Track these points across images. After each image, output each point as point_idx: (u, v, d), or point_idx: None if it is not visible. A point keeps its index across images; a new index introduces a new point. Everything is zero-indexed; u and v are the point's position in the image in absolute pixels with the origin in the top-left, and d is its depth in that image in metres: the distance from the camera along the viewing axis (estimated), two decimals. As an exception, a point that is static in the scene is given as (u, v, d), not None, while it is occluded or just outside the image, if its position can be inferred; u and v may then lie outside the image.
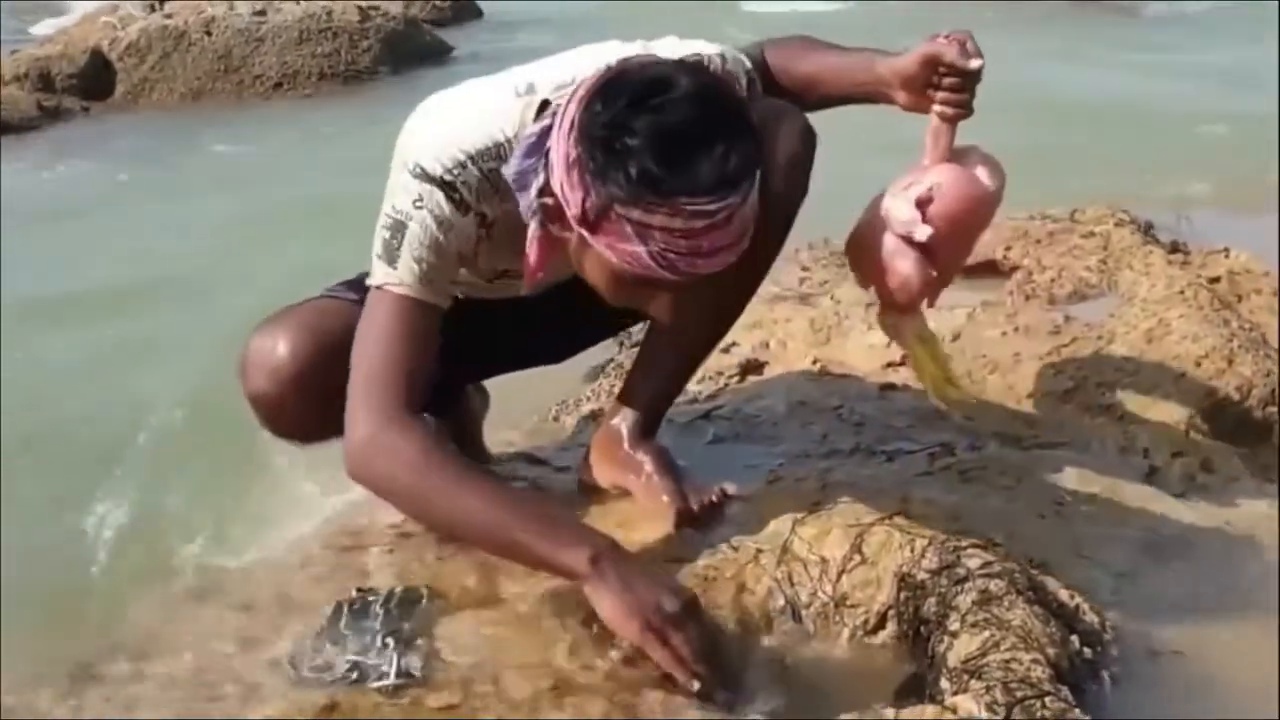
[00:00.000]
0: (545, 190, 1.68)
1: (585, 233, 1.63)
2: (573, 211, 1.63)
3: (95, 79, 7.08)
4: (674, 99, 1.58)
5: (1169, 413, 2.45)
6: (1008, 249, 3.19)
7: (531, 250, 1.73)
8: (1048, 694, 1.56)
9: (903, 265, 1.93)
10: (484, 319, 2.05)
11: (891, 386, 2.56)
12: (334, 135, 6.19)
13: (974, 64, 1.84)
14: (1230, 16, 9.23)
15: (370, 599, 1.81)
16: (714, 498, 2.06)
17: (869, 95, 1.97)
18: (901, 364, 2.64)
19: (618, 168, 1.56)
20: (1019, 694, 1.54)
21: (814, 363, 2.70)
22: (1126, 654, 1.81)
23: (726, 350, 2.79)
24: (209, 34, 7.29)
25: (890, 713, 1.54)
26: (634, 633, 1.66)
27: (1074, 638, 1.75)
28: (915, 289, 1.96)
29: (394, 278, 1.75)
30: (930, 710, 1.54)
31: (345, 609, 1.79)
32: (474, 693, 1.63)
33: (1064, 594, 1.84)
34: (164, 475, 2.32)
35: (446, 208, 1.74)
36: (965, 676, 1.60)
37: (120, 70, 7.13)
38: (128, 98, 7.04)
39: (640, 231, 1.58)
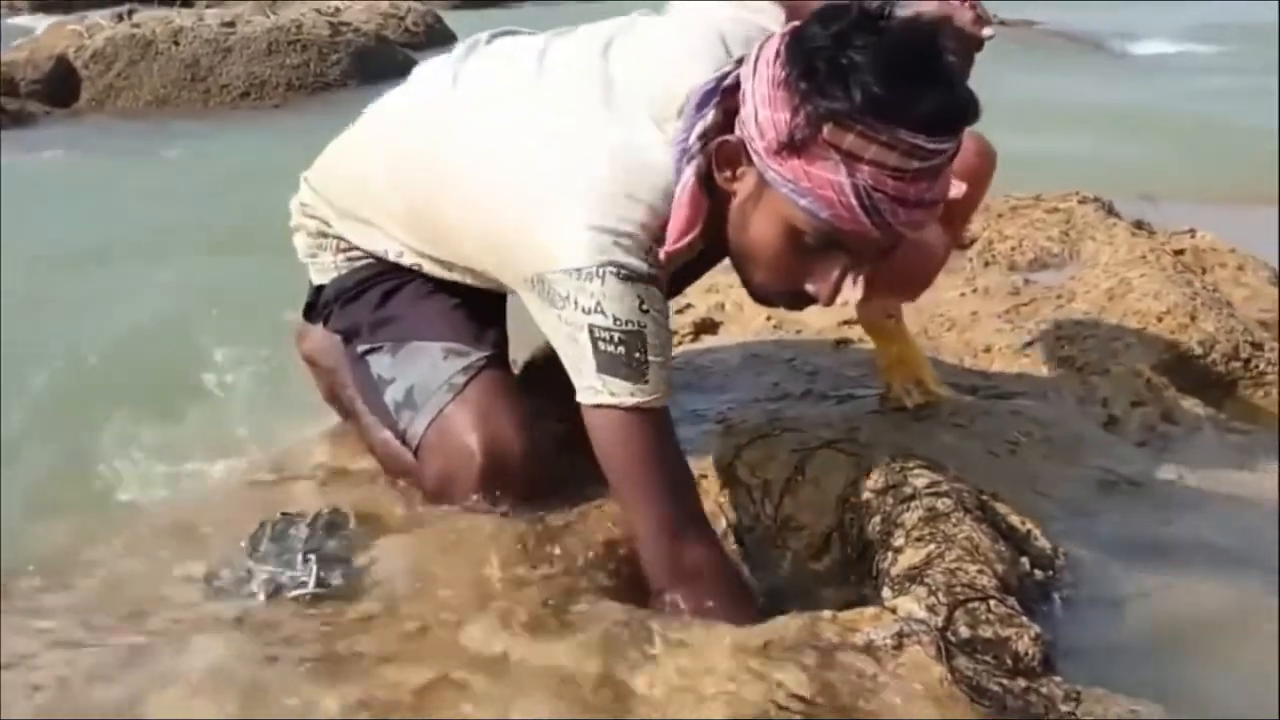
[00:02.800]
0: (712, 133, 1.59)
1: (776, 165, 1.51)
2: (771, 137, 1.50)
3: (60, 85, 7.02)
4: (897, 28, 1.49)
5: (1129, 365, 2.40)
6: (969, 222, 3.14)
7: (682, 206, 1.60)
8: (992, 598, 1.49)
9: (927, 233, 1.87)
10: None
11: (846, 341, 2.50)
12: (291, 144, 6.13)
13: (986, 32, 1.78)
14: (1210, 58, 9.36)
15: (295, 520, 1.73)
16: None
17: None
18: (858, 321, 2.59)
19: (838, 83, 1.45)
20: (962, 596, 1.48)
21: (768, 319, 2.64)
22: (1080, 581, 1.74)
23: (680, 311, 2.74)
24: (176, 43, 7.24)
25: (828, 614, 1.47)
26: None
27: (1024, 560, 1.69)
28: (939, 258, 1.92)
29: (647, 392, 1.61)
30: (870, 611, 1.47)
31: (268, 529, 1.71)
32: (397, 604, 1.56)
33: (1015, 519, 1.77)
34: (86, 418, 2.24)
35: (658, 298, 1.62)
36: (907, 583, 1.53)
37: (85, 78, 7.08)
38: (92, 104, 6.99)
39: (848, 162, 1.47)
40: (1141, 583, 1.78)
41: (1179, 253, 3.03)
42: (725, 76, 1.62)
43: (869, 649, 1.41)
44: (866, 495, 1.73)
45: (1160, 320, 2.52)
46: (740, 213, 1.60)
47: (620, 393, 1.61)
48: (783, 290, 1.66)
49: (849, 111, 1.45)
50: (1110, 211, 3.32)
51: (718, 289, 2.87)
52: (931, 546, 1.60)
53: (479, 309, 1.94)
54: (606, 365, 1.60)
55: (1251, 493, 2.10)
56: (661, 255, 1.62)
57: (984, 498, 1.79)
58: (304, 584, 1.59)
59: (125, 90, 7.06)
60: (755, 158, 1.54)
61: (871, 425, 2.01)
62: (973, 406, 2.15)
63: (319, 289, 2.02)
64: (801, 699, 1.33)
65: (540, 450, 1.82)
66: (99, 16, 7.61)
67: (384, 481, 1.93)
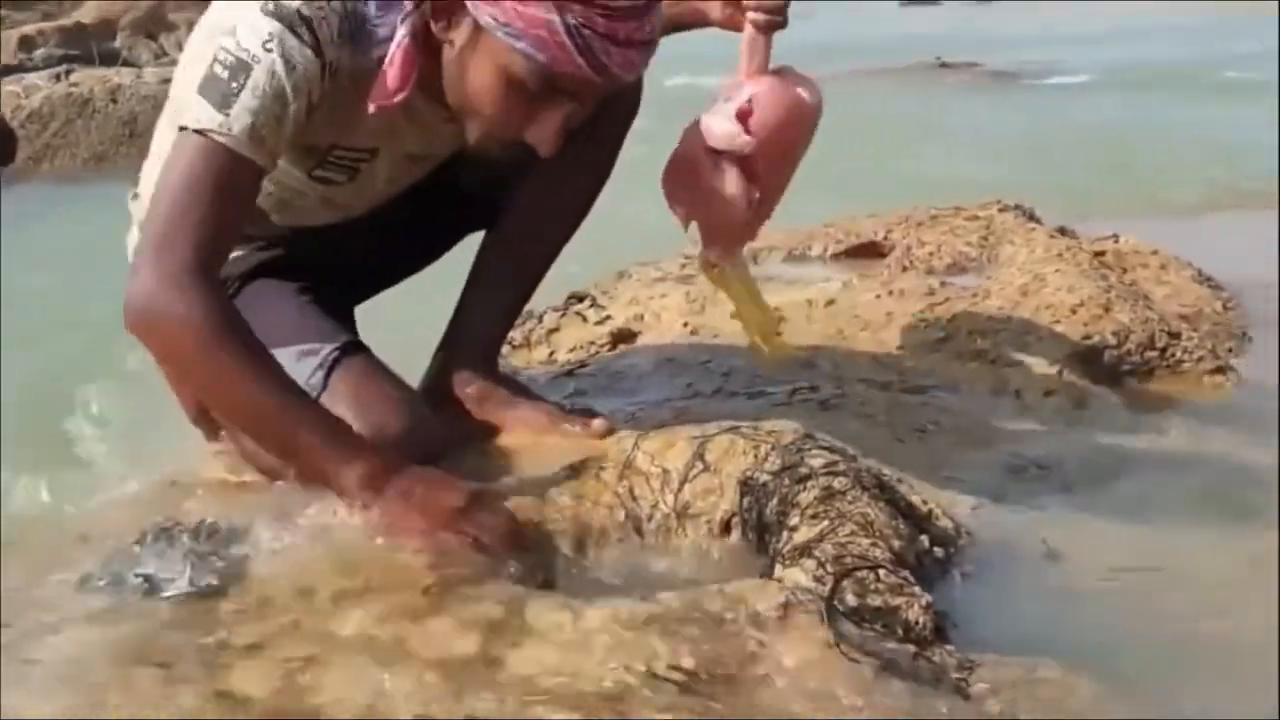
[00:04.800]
0: None
1: (490, 7, 1.53)
2: None
3: (-2, 146, 6.99)
4: None
5: (1043, 357, 2.38)
6: (889, 231, 3.13)
7: (394, 63, 1.61)
8: (882, 568, 1.46)
9: (725, 185, 1.83)
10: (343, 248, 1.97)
11: (762, 343, 2.47)
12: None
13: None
14: (1112, 84, 9.50)
15: (177, 526, 1.68)
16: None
17: (686, 16, 1.91)
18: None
19: None
20: (850, 565, 1.44)
21: (685, 325, 2.61)
22: (983, 559, 1.72)
23: (599, 322, 2.72)
24: (114, 101, 7.22)
25: (714, 587, 1.43)
26: (421, 539, 1.57)
27: (924, 538, 1.66)
28: (740, 210, 1.85)
29: (222, 125, 1.58)
30: (755, 583, 1.44)
31: (149, 534, 1.66)
32: (272, 599, 1.50)
33: (916, 499, 1.75)
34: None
35: (298, 51, 1.60)
36: (798, 556, 1.50)
37: (23, 137, 7.04)
38: (29, 164, 6.94)
39: (558, 0, 1.51)
40: (1045, 559, 1.76)
41: (1099, 254, 3.03)
42: None
43: (754, 620, 1.37)
44: (764, 478, 1.69)
45: (1074, 313, 2.50)
46: (458, 64, 1.62)
47: (199, 115, 1.59)
48: (505, 140, 1.67)
49: None
50: (1031, 218, 3.33)
51: (638, 300, 2.85)
52: (825, 523, 1.57)
53: (325, 305, 1.93)
54: (202, 85, 1.59)
55: (1163, 470, 2.08)
56: (371, 108, 1.64)
57: (884, 478, 1.76)
58: (178, 584, 1.54)
59: (63, 149, 7.03)
60: (469, 2, 1.56)
61: (778, 415, 1.98)
62: (882, 398, 2.13)
63: None
64: (682, 670, 1.29)
65: (421, 419, 1.81)
66: (36, 78, 7.57)
67: (274, 491, 1.87)
